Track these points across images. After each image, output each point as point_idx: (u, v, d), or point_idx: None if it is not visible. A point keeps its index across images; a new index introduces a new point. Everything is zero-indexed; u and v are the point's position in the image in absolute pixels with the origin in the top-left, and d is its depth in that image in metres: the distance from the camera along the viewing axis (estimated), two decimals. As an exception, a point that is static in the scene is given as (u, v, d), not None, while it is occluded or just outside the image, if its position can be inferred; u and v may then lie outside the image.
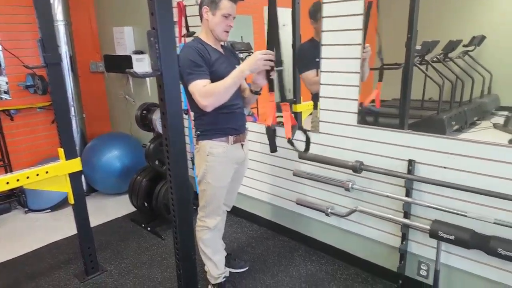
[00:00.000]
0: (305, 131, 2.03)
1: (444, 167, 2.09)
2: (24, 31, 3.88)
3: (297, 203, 2.85)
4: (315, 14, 2.53)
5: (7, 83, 3.93)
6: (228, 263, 2.66)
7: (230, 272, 2.64)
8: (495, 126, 2.15)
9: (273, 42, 1.86)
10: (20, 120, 4.09)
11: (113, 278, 2.73)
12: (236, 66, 2.16)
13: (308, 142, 2.01)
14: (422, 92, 2.38)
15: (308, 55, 2.63)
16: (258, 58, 1.86)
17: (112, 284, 2.66)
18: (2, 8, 3.77)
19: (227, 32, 2.11)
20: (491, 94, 2.18)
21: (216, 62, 2.07)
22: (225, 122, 2.16)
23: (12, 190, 3.75)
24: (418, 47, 2.17)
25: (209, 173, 2.19)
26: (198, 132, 2.20)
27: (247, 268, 2.75)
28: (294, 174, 2.76)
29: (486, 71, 2.16)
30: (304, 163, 2.73)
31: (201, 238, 2.36)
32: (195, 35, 3.03)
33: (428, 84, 2.33)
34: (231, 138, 2.19)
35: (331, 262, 2.80)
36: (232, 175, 2.30)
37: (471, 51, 2.20)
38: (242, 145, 2.29)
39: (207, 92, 1.95)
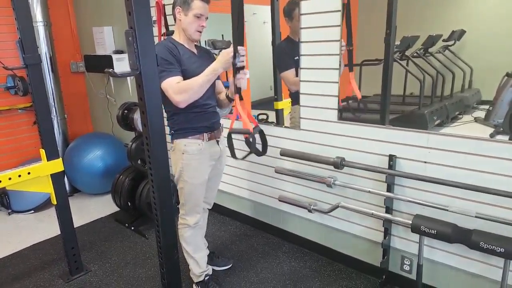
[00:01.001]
0: (262, 133, 2.01)
1: (425, 162, 2.11)
2: (3, 32, 3.82)
3: (280, 200, 2.85)
4: (290, 13, 2.54)
5: (-13, 84, 3.87)
6: (211, 261, 2.66)
7: (214, 270, 2.64)
8: (477, 120, 2.17)
9: (241, 39, 1.86)
10: (2, 122, 4.04)
11: (98, 278, 2.71)
12: (205, 64, 2.15)
13: (264, 144, 2.02)
14: (403, 88, 2.40)
15: (286, 55, 2.63)
16: (231, 56, 1.88)
17: (96, 284, 2.64)
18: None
19: (200, 32, 2.12)
20: (472, 89, 2.21)
21: (186, 61, 2.08)
22: (197, 121, 2.17)
23: (-5, 191, 3.70)
24: (397, 43, 2.19)
25: (185, 171, 2.20)
26: (172, 131, 2.20)
27: (231, 265, 2.75)
28: (276, 171, 2.76)
29: (467, 65, 2.19)
30: (285, 160, 2.73)
31: (183, 236, 2.37)
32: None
33: (409, 79, 2.35)
34: (205, 135, 2.20)
35: (315, 259, 2.81)
36: (210, 172, 2.30)
37: (451, 45, 2.22)
38: (217, 141, 2.30)
39: (181, 89, 1.96)
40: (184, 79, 2.02)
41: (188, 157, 2.17)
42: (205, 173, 2.27)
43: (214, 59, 2.23)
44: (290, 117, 2.78)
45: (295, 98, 2.66)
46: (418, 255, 2.16)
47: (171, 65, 2.00)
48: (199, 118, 2.17)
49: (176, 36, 2.16)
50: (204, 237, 2.59)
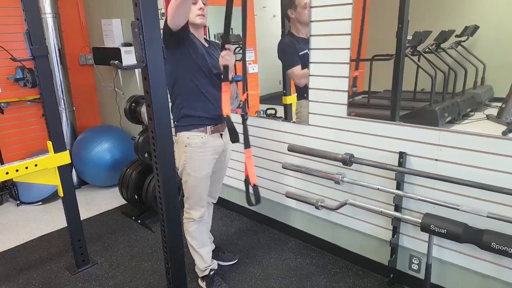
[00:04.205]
0: (230, 123, 1.90)
1: (436, 160, 2.07)
2: (12, 23, 3.83)
3: (287, 196, 2.83)
4: (292, 2, 2.49)
5: (-4, 76, 3.90)
6: (217, 256, 2.66)
7: (220, 265, 2.63)
8: (489, 117, 2.12)
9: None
10: (10, 113, 4.07)
11: (104, 270, 2.72)
12: (216, 57, 2.17)
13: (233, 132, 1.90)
14: (414, 83, 2.35)
15: (290, 51, 2.60)
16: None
17: (102, 276, 2.65)
18: (-11, 2, 3.72)
19: (200, 15, 2.10)
20: (485, 85, 2.15)
21: (196, 52, 2.09)
22: (200, 108, 2.16)
23: (3, 183, 3.75)
24: (409, 38, 2.14)
25: (189, 164, 2.19)
26: (176, 122, 2.20)
27: (236, 260, 2.74)
28: (283, 167, 2.74)
29: (480, 61, 2.13)
30: (293, 156, 2.70)
31: (188, 230, 2.36)
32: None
33: (420, 75, 2.30)
34: (209, 128, 2.18)
35: (321, 256, 2.79)
36: (214, 165, 2.29)
37: (464, 41, 2.16)
38: (221, 135, 2.28)
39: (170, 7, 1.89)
40: (194, 70, 2.08)
41: (191, 150, 2.17)
42: (209, 166, 2.25)
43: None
44: (296, 112, 2.75)
45: (300, 92, 2.63)
46: (427, 254, 2.13)
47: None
48: (202, 106, 2.15)
49: None
50: (210, 231, 2.58)
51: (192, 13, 2.07)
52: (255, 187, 1.90)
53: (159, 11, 3.00)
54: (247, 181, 1.93)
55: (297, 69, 2.60)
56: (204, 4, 2.10)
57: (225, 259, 2.71)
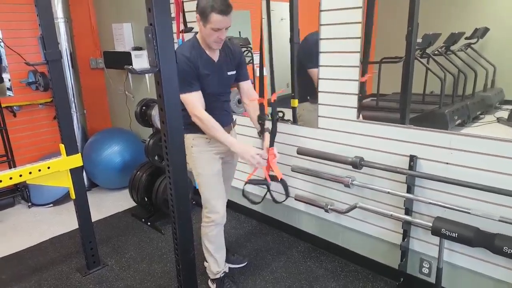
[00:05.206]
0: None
1: (447, 163, 2.06)
2: (25, 28, 3.89)
3: (296, 199, 2.83)
4: None
5: (9, 80, 3.96)
6: (227, 259, 2.66)
7: (229, 267, 2.63)
8: (499, 120, 2.11)
9: None
10: (23, 117, 4.12)
11: (114, 272, 2.74)
12: (228, 73, 2.17)
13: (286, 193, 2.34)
14: (424, 86, 2.35)
15: (315, 50, 2.52)
16: (251, 156, 2.08)
17: (113, 278, 2.68)
18: (4, 6, 3.78)
19: (217, 43, 2.05)
20: (495, 88, 2.15)
21: (204, 79, 2.10)
22: None
23: (15, 185, 3.78)
24: (419, 40, 2.14)
25: (197, 163, 2.24)
26: (183, 126, 2.19)
27: (246, 263, 2.74)
28: (293, 170, 2.73)
29: (490, 64, 2.13)
30: (302, 159, 2.70)
31: (207, 234, 2.35)
32: (194, 30, 3.02)
33: (430, 78, 2.30)
34: None
35: (330, 259, 2.78)
36: (221, 165, 2.31)
37: (474, 43, 2.16)
38: None
39: (199, 118, 2.06)
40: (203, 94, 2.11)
41: (197, 150, 2.21)
42: (217, 163, 2.28)
43: (240, 56, 2.23)
44: (298, 115, 2.75)
45: (302, 95, 2.63)
46: (438, 258, 2.11)
47: (192, 79, 2.04)
48: None
49: (200, 37, 2.10)
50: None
51: (211, 37, 2.00)
52: (283, 180, 2.21)
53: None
54: (272, 178, 2.17)
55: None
56: (226, 29, 2.03)
57: (235, 262, 2.72)
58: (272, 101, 2.16)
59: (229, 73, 2.20)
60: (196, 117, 2.06)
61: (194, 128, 2.15)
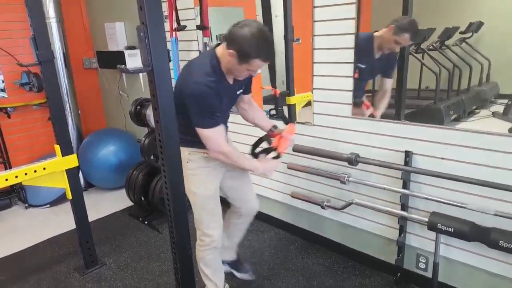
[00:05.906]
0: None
1: (442, 158, 2.06)
2: (17, 29, 3.85)
3: (292, 196, 2.83)
4: None
5: (3, 81, 3.93)
6: (236, 268, 2.57)
7: (233, 274, 2.56)
8: (494, 114, 2.11)
9: None
10: (17, 118, 4.10)
11: (112, 271, 2.75)
12: (238, 92, 2.04)
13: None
14: (419, 81, 2.35)
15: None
16: (272, 169, 2.06)
17: (111, 277, 2.68)
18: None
19: (246, 76, 1.93)
20: (490, 82, 2.15)
21: (220, 103, 1.91)
22: None
23: (12, 186, 3.77)
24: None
25: (192, 182, 2.04)
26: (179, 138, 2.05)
27: (250, 274, 2.59)
28: (289, 167, 2.74)
29: (485, 58, 2.12)
30: (298, 156, 2.69)
31: (203, 258, 2.18)
32: (188, 29, 2.98)
33: (425, 73, 2.30)
34: None
35: (327, 255, 2.79)
36: (224, 174, 2.15)
37: (469, 38, 2.16)
38: None
39: (224, 153, 1.92)
40: None
41: (193, 166, 2.02)
42: (215, 181, 2.10)
43: (250, 79, 2.09)
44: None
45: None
46: (434, 253, 2.12)
47: (215, 111, 1.85)
48: None
49: (220, 55, 1.86)
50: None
51: (242, 72, 1.85)
52: (279, 154, 2.10)
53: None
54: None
55: None
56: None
57: (240, 270, 2.59)
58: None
59: (238, 92, 2.07)
60: (220, 153, 1.91)
61: (191, 142, 1.95)
